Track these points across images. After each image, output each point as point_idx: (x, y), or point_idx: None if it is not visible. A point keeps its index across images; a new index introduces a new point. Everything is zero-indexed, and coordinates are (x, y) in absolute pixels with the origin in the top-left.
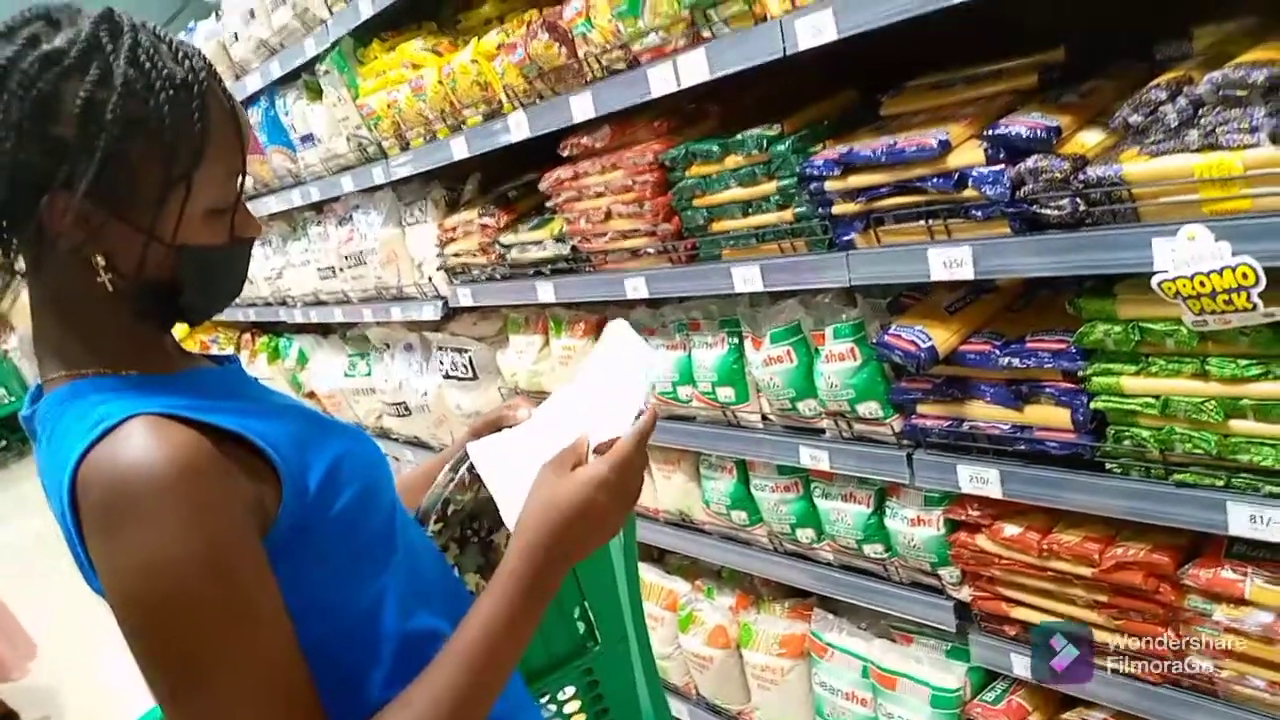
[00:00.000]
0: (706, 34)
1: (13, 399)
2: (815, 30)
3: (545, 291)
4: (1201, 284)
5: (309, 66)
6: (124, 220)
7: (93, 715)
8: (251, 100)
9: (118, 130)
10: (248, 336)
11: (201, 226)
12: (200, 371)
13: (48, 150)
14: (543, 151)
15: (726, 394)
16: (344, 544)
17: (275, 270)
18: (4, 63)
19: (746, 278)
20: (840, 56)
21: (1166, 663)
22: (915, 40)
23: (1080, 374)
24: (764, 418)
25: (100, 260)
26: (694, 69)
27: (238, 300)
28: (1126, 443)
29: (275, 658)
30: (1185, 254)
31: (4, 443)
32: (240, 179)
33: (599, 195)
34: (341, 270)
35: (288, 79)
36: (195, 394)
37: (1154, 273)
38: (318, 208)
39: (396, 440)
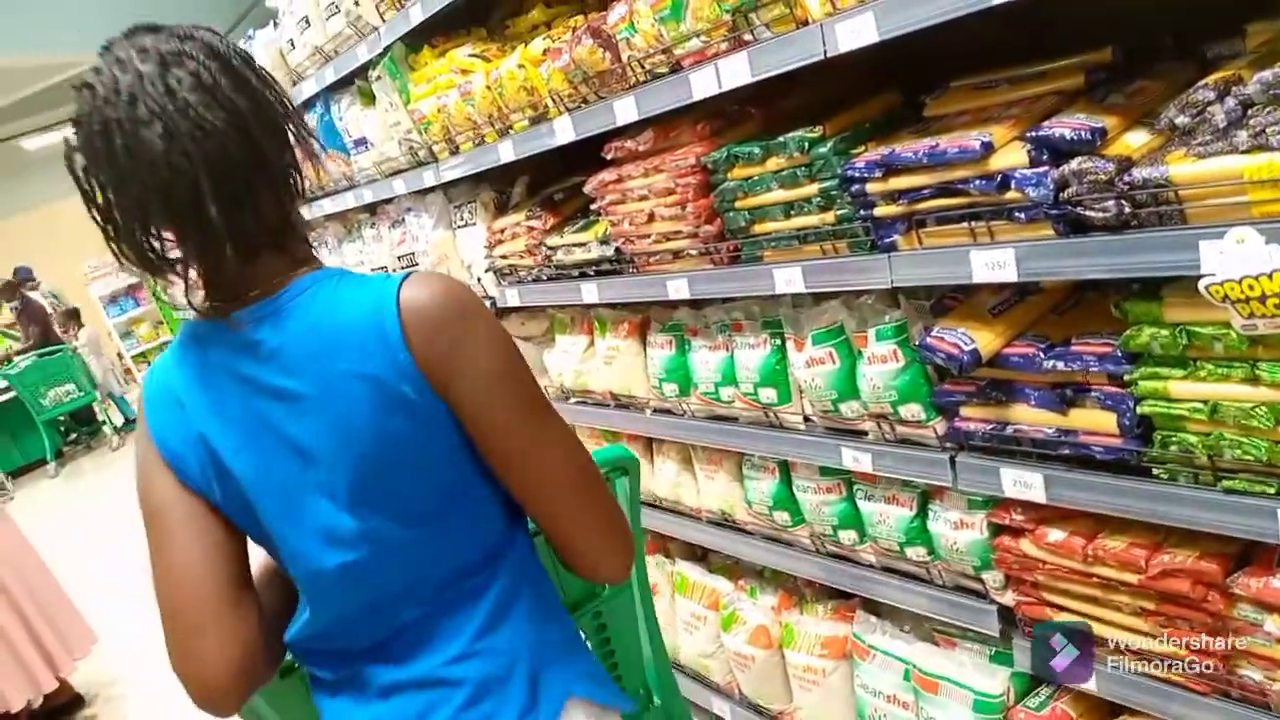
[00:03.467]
0: (748, 37)
1: (82, 394)
2: (855, 33)
3: (590, 292)
4: (1250, 287)
5: (362, 72)
6: None
7: (167, 693)
8: (307, 106)
9: None
10: None
11: None
12: None
13: None
14: (591, 153)
15: (769, 395)
16: None
17: None
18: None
19: (788, 279)
20: (882, 58)
21: (1215, 672)
22: (957, 42)
23: (1126, 378)
24: (806, 419)
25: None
26: (735, 72)
27: None
28: (1174, 448)
29: None
30: (1234, 257)
31: (73, 436)
32: None
33: (642, 198)
34: (395, 271)
35: (341, 84)
36: None
37: (1201, 276)
38: (371, 210)
39: None
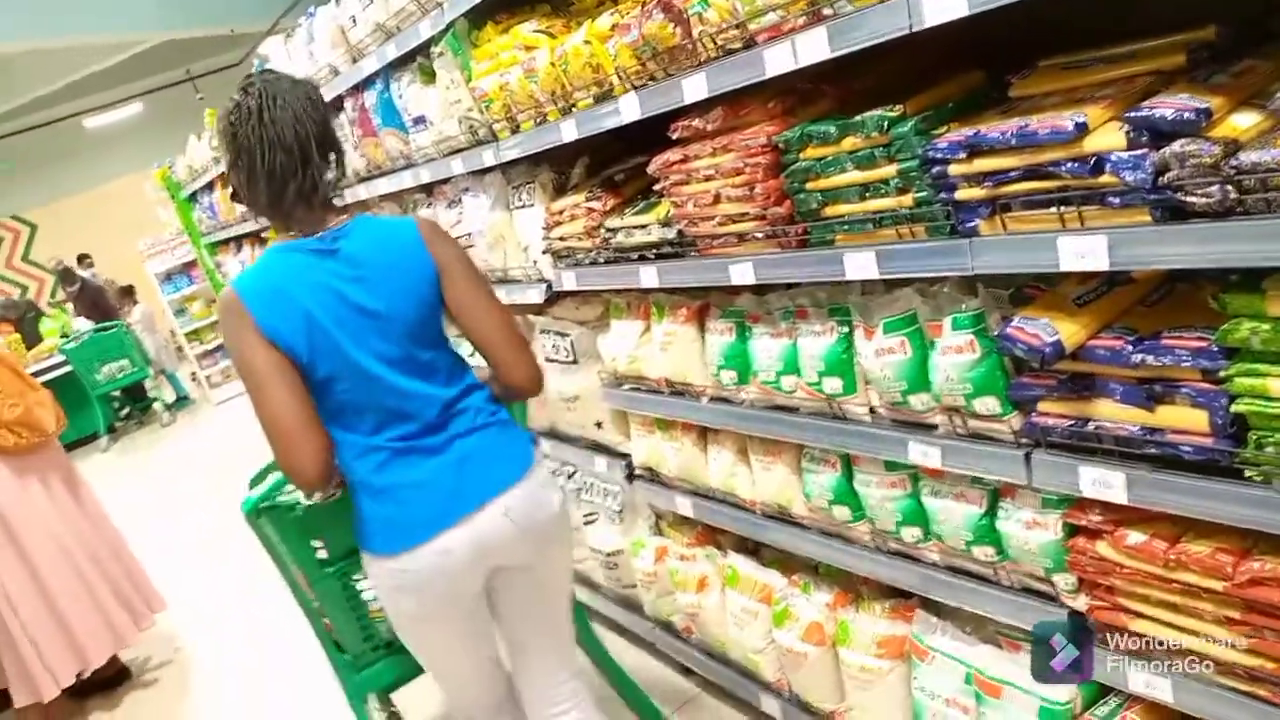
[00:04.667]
0: (827, 12)
1: (135, 369)
2: (943, 6)
3: (649, 276)
4: None
5: (424, 49)
6: None
7: (216, 668)
8: (367, 83)
9: None
10: None
11: None
12: None
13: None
14: (650, 136)
15: (834, 385)
16: None
17: None
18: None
19: (861, 264)
20: (962, 38)
21: None
22: (1040, 22)
23: (1221, 374)
24: (871, 411)
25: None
26: (814, 48)
27: None
28: (1270, 449)
29: None
30: None
31: (125, 410)
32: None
33: (708, 178)
34: None
35: (402, 62)
36: None
37: None
38: (428, 190)
39: None
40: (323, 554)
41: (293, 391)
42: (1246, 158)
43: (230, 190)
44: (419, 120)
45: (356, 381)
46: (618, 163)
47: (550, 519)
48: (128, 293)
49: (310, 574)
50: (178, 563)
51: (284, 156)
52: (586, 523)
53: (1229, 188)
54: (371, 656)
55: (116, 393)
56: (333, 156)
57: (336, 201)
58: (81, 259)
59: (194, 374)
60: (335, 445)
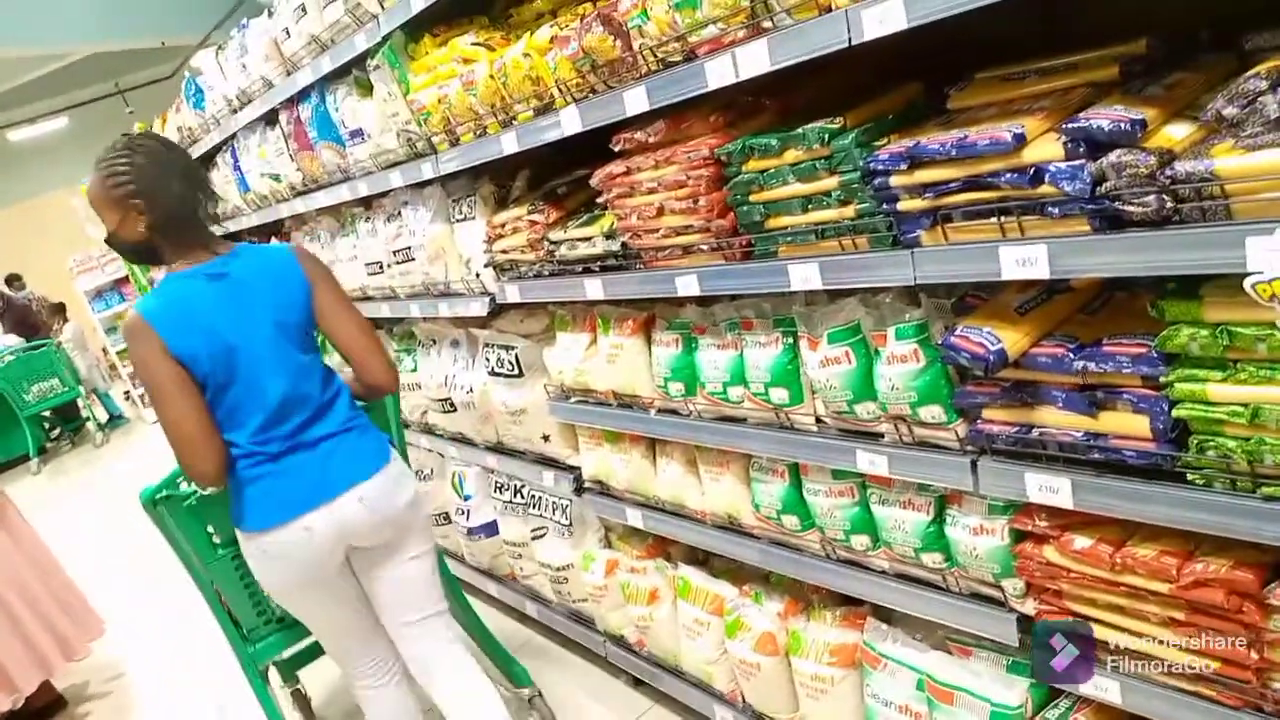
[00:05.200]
0: (767, 25)
1: (66, 389)
2: (882, 20)
3: (594, 288)
4: None
5: (360, 62)
6: None
7: (155, 692)
8: (302, 96)
9: None
10: None
11: None
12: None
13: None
14: (592, 148)
15: (780, 395)
16: None
17: None
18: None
19: (805, 276)
20: (898, 51)
21: (1249, 686)
22: (975, 35)
23: (1162, 380)
24: (818, 420)
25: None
26: (754, 60)
27: None
28: (1211, 453)
29: None
30: None
31: (57, 431)
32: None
33: (651, 191)
34: (389, 266)
35: (338, 74)
36: None
37: (1248, 274)
38: (366, 203)
39: (441, 436)
40: (216, 538)
41: (194, 403)
42: (1181, 167)
43: (106, 234)
44: (356, 133)
45: (246, 387)
46: (559, 176)
47: (403, 507)
48: (59, 310)
49: (205, 556)
50: (116, 586)
51: (172, 200)
52: (535, 537)
53: (1165, 197)
54: (264, 630)
55: (47, 413)
56: (206, 201)
57: (218, 232)
58: (11, 280)
59: (127, 393)
60: (227, 447)
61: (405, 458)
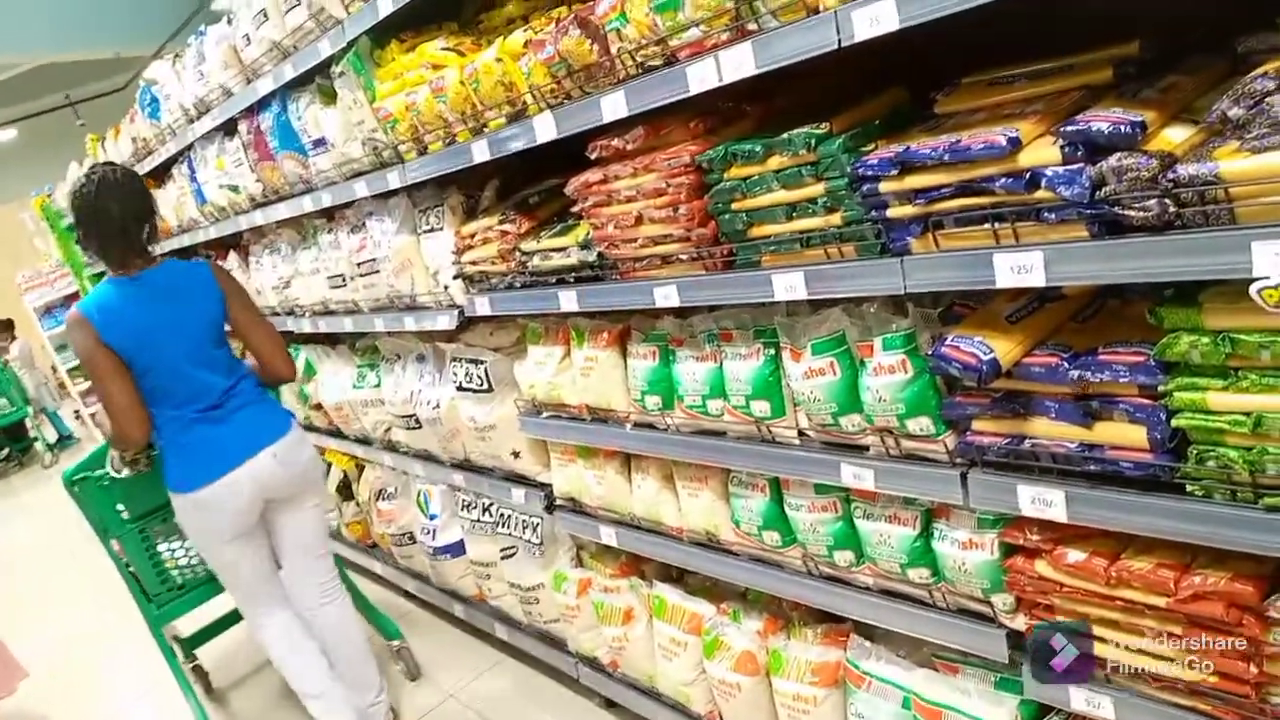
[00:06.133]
0: (752, 27)
1: (13, 408)
2: (874, 20)
3: (568, 300)
4: None
5: (323, 69)
6: None
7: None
8: (262, 105)
9: None
10: None
11: None
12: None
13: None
14: (563, 158)
15: (761, 408)
16: None
17: (283, 279)
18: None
19: (790, 285)
20: (880, 56)
21: (1247, 700)
22: (957, 40)
23: (1160, 389)
24: (800, 433)
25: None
26: (738, 64)
27: None
28: (1211, 463)
29: None
30: None
31: (5, 451)
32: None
33: (629, 199)
34: (353, 279)
35: (301, 82)
36: None
37: (1253, 279)
38: (329, 215)
39: (405, 453)
40: (125, 514)
41: (124, 383)
42: (1184, 170)
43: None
44: (319, 142)
45: (168, 373)
46: (528, 186)
47: (306, 461)
48: (6, 327)
49: (115, 530)
50: (58, 613)
51: (110, 225)
52: (504, 557)
53: (1167, 201)
54: (168, 597)
55: None
56: (146, 228)
57: (153, 250)
58: None
59: (77, 412)
60: (153, 417)
61: None
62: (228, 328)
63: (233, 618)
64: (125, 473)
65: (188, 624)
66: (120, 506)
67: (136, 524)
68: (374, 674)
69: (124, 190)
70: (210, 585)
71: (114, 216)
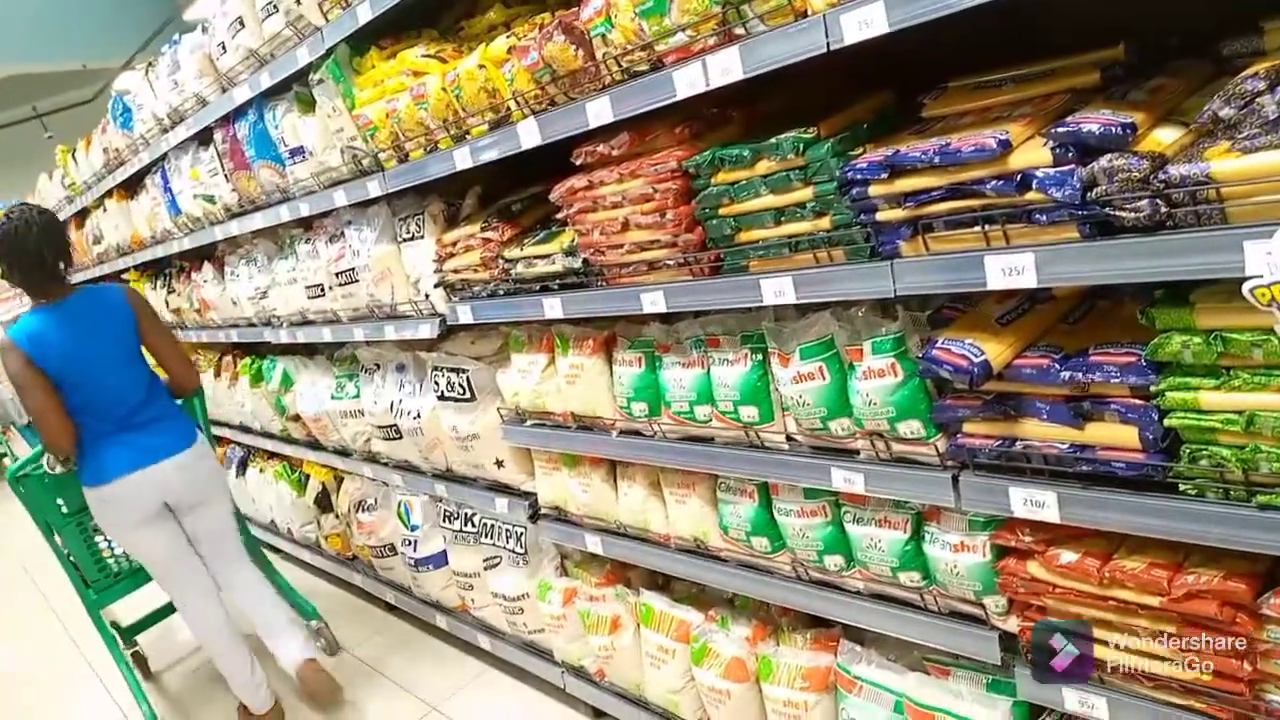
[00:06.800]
0: (739, 31)
1: None
2: (864, 24)
3: (552, 307)
4: None
5: (301, 77)
6: None
7: None
8: (239, 113)
9: None
10: (229, 359)
11: None
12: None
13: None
14: (545, 165)
15: (750, 413)
16: None
17: (260, 289)
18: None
19: (778, 290)
20: (864, 60)
21: (1241, 698)
22: (941, 45)
23: (1152, 389)
24: (789, 438)
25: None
26: (726, 68)
27: (219, 321)
28: (1204, 462)
29: None
30: None
31: None
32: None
33: (615, 205)
34: (331, 289)
35: (278, 90)
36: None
37: (1245, 278)
38: (306, 224)
39: (386, 464)
40: (65, 508)
41: (50, 398)
42: (1175, 171)
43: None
44: (297, 151)
45: (89, 389)
46: (510, 194)
47: (205, 472)
48: None
49: (55, 522)
50: (27, 637)
51: (28, 260)
52: (488, 567)
53: (1159, 201)
54: (105, 584)
55: None
56: (62, 264)
57: (71, 279)
58: None
59: None
60: (79, 426)
61: (211, 440)
62: (143, 346)
63: (170, 608)
64: (59, 470)
65: (127, 614)
66: (60, 501)
67: (74, 517)
68: (294, 616)
69: (40, 228)
70: (142, 573)
71: (31, 251)
